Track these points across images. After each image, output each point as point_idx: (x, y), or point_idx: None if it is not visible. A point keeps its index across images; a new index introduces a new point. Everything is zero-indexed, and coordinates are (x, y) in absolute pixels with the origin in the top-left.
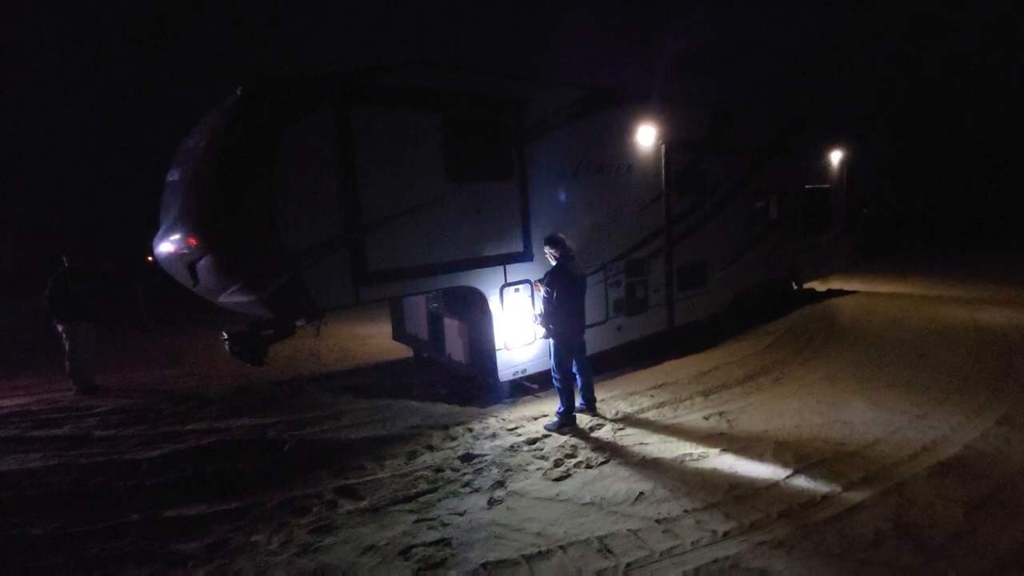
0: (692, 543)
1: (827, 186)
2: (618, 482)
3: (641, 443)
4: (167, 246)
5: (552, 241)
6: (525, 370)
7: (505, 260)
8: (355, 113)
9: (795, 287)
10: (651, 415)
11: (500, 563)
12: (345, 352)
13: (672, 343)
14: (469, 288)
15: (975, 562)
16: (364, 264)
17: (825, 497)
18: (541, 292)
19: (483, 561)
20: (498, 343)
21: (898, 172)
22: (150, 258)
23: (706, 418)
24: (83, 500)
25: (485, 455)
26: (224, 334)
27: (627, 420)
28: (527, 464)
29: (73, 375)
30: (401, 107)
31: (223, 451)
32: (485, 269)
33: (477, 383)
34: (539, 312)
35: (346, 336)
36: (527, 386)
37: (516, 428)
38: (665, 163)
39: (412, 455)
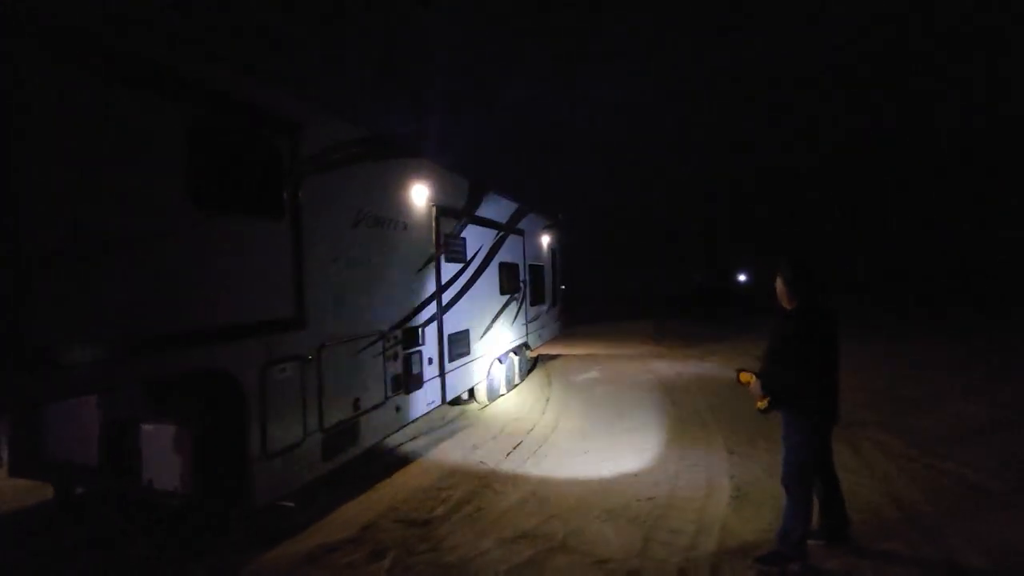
0: None
1: (541, 264)
2: None
3: None
4: None
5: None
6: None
7: (271, 328)
8: (27, 64)
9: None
10: None
11: None
12: None
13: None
14: (209, 372)
15: None
16: (18, 331)
17: None
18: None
19: None
20: (254, 450)
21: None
22: None
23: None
24: None
25: None
26: None
27: None
28: None
29: None
30: (122, 86)
31: None
32: (243, 340)
33: (203, 519)
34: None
35: None
36: (284, 506)
37: None
38: (435, 225)
39: None
